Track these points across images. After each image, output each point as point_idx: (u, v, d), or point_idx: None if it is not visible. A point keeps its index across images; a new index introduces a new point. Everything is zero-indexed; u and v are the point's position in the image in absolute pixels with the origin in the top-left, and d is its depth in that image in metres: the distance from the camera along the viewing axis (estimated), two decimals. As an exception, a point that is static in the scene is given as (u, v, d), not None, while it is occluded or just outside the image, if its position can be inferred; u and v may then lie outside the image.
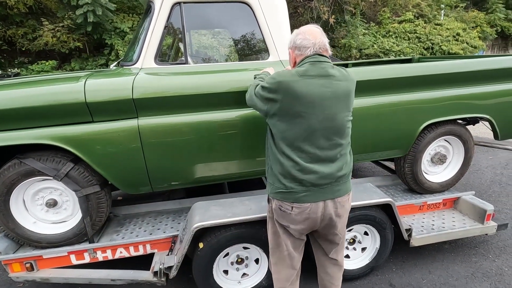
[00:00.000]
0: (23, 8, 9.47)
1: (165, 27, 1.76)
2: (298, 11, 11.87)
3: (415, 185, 2.40)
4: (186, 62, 1.81)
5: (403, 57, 4.16)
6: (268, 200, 1.43)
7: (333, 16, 11.18)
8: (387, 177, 2.74)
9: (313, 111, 1.19)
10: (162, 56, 2.23)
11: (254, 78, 1.50)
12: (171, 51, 2.46)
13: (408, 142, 2.19)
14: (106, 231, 2.08)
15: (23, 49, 9.97)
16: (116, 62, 2.17)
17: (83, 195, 1.82)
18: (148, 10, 1.94)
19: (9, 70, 9.50)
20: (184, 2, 1.77)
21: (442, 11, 14.91)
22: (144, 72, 1.75)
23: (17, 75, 8.01)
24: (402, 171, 2.38)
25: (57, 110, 1.63)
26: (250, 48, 2.18)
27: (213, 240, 1.72)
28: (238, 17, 1.82)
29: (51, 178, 1.76)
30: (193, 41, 2.83)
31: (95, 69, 7.02)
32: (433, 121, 2.14)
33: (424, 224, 2.22)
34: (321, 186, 1.27)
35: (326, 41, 1.23)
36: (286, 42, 1.88)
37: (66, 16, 9.66)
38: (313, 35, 1.21)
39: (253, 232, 1.77)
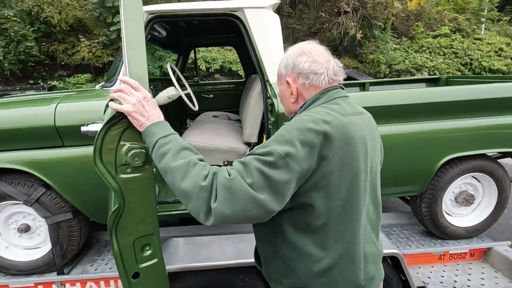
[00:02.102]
0: (65, 26, 10.29)
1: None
2: (325, 26, 11.71)
3: (435, 229, 2.02)
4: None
5: (428, 77, 3.76)
6: None
7: (360, 32, 10.85)
8: (403, 214, 2.37)
9: (364, 167, 0.80)
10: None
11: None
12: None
13: (424, 178, 1.86)
14: (82, 260, 1.95)
15: (63, 63, 10.78)
16: (101, 84, 2.10)
17: (54, 223, 1.70)
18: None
19: (43, 83, 10.21)
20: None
21: (483, 25, 14.00)
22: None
23: (52, 88, 8.58)
24: (418, 211, 2.02)
25: (26, 133, 1.55)
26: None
27: (181, 287, 1.51)
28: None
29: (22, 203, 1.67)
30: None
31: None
32: (455, 156, 1.80)
33: (444, 280, 1.83)
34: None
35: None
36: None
37: (101, 33, 10.34)
38: (322, 56, 0.84)
39: (228, 279, 1.53)
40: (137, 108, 0.84)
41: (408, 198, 2.15)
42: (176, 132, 0.84)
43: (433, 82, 3.65)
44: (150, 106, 0.86)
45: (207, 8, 1.67)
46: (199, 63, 9.71)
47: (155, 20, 1.66)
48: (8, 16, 9.54)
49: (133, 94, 0.85)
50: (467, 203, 2.01)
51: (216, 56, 10.34)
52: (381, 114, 1.71)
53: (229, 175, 0.69)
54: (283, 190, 0.69)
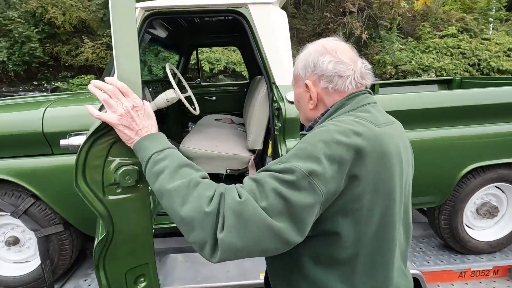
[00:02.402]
0: (69, 27, 10.27)
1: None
2: (330, 26, 11.55)
3: (454, 243, 1.87)
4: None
5: (441, 78, 3.59)
6: None
7: (366, 32, 10.69)
8: (418, 225, 2.21)
9: (400, 186, 0.67)
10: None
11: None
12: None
13: (445, 189, 1.70)
14: (75, 274, 1.82)
15: (67, 64, 10.76)
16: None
17: (43, 236, 1.58)
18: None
19: (46, 85, 10.19)
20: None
21: (491, 25, 13.74)
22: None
23: (55, 89, 8.53)
24: (436, 224, 1.87)
25: (13, 140, 1.43)
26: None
27: (178, 309, 1.37)
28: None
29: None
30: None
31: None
32: (479, 165, 1.64)
33: (466, 300, 1.68)
34: None
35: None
36: (286, 63, 1.55)
37: (105, 34, 10.30)
38: (348, 55, 0.70)
39: (230, 302, 1.39)
40: (124, 120, 0.69)
41: (425, 208, 1.99)
42: (173, 146, 0.70)
43: (445, 83, 3.48)
44: (141, 117, 0.71)
45: (208, 4, 1.54)
46: (203, 64, 9.61)
47: (152, 17, 1.54)
48: (13, 18, 9.54)
49: (120, 102, 0.70)
50: (490, 216, 1.85)
51: (220, 57, 10.23)
52: (399, 119, 1.56)
53: (240, 197, 0.55)
54: (305, 216, 0.56)
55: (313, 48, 0.73)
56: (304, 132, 0.76)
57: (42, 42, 10.29)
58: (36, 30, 9.88)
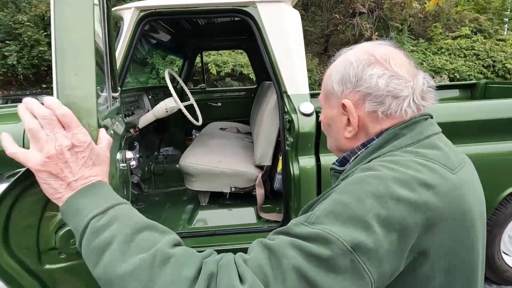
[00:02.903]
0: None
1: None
2: (339, 28, 11.33)
3: (490, 272, 1.64)
4: None
5: (464, 82, 3.35)
6: None
7: (376, 33, 10.43)
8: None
9: (482, 253, 0.50)
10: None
11: None
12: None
13: (481, 213, 1.48)
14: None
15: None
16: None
17: None
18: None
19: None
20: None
21: (506, 25, 13.32)
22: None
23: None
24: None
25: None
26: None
27: None
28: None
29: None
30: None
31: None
32: (524, 187, 1.42)
33: None
34: None
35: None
36: (299, 69, 1.36)
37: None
38: (406, 68, 0.51)
39: None
40: (52, 165, 0.45)
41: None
42: (124, 200, 0.47)
43: (468, 88, 3.24)
44: (82, 162, 0.47)
45: (211, 3, 1.36)
46: (210, 67, 9.50)
47: (148, 18, 1.36)
48: (22, 21, 9.61)
49: (54, 137, 0.46)
50: (531, 242, 1.62)
51: (227, 59, 10.11)
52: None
53: (241, 280, 0.36)
54: None
55: (354, 55, 0.53)
56: (336, 166, 0.56)
57: (50, 46, 10.32)
58: (45, 33, 9.92)
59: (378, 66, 0.50)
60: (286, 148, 1.42)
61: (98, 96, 0.59)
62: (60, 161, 0.46)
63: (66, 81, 0.54)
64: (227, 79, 10.16)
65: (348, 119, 0.53)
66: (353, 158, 0.54)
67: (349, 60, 0.53)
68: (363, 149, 0.53)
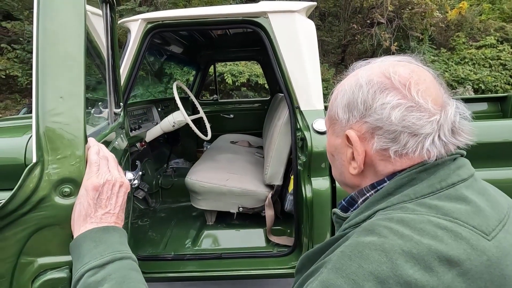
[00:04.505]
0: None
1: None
2: (356, 38, 11.18)
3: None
4: None
5: (493, 95, 3.14)
6: None
7: (395, 43, 10.21)
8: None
9: None
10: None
11: None
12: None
13: None
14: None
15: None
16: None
17: None
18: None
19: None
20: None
21: (535, 34, 12.71)
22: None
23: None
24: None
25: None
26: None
27: None
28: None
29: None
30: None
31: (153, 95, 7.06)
32: None
33: None
34: None
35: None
36: (314, 84, 1.26)
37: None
38: (431, 94, 0.39)
39: None
40: (105, 189, 0.50)
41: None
42: (128, 254, 0.45)
43: (497, 101, 3.02)
44: (120, 202, 0.51)
45: (221, 14, 1.29)
46: (226, 77, 9.58)
47: (155, 30, 1.31)
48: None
49: (110, 172, 0.52)
50: None
51: (243, 69, 10.17)
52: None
53: None
54: None
55: (366, 76, 0.42)
56: (339, 212, 0.45)
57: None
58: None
59: (394, 93, 0.39)
60: (298, 168, 1.31)
61: (86, 121, 0.51)
62: (109, 190, 0.50)
63: (48, 105, 0.46)
64: (243, 89, 10.20)
65: (353, 154, 0.43)
66: (360, 200, 0.43)
67: (359, 82, 0.42)
68: (372, 191, 0.42)
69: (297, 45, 1.26)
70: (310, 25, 1.32)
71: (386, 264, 0.30)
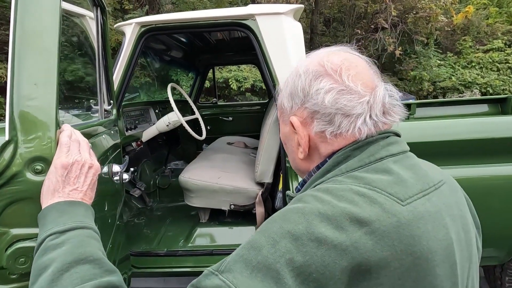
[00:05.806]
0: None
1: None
2: (361, 43, 11.21)
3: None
4: None
5: (493, 96, 3.11)
6: None
7: (400, 48, 10.19)
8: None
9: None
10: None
11: None
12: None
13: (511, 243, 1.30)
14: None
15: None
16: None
17: None
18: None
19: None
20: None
21: (544, 37, 12.52)
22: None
23: (89, 107, 8.94)
24: (498, 285, 1.45)
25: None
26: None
27: None
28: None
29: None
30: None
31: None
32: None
33: None
34: None
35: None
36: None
37: (139, 55, 10.85)
38: (363, 78, 0.43)
39: None
40: (74, 168, 0.53)
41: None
42: (91, 226, 0.48)
43: (498, 103, 2.99)
44: (89, 181, 0.54)
45: (211, 17, 1.35)
46: (230, 82, 9.69)
47: (149, 33, 1.37)
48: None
49: (80, 154, 0.56)
50: None
51: (247, 75, 10.28)
52: (447, 152, 1.23)
53: None
54: None
55: (304, 66, 0.46)
56: (290, 193, 0.49)
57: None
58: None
59: (327, 79, 0.43)
60: (287, 165, 1.34)
61: (58, 107, 0.56)
62: (78, 169, 0.53)
63: (23, 91, 0.52)
64: (247, 94, 10.29)
65: (298, 140, 0.47)
66: (308, 182, 0.46)
67: (298, 72, 0.46)
68: (317, 173, 0.45)
69: (284, 46, 1.30)
70: (297, 27, 1.36)
71: (302, 224, 0.33)
